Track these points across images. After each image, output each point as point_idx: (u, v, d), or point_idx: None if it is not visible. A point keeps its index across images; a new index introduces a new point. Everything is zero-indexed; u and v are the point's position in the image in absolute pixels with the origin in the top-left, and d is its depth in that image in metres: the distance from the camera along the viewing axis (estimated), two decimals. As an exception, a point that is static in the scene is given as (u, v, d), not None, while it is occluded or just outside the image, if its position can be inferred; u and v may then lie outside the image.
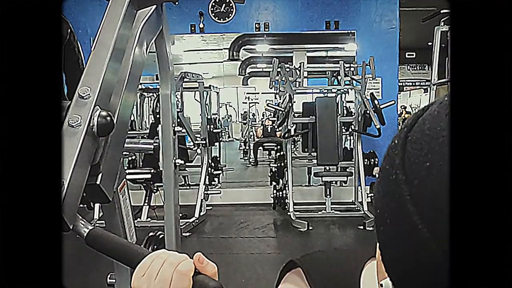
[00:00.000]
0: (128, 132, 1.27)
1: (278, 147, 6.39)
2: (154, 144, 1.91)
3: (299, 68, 5.25)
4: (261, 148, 7.97)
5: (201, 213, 5.02)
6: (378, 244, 0.39)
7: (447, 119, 0.32)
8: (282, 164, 5.23)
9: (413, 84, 12.96)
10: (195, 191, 5.11)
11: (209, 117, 5.53)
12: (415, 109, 13.78)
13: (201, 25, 5.88)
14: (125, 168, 4.97)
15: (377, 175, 0.45)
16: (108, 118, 0.96)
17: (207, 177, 5.25)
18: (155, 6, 1.50)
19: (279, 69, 5.22)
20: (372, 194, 4.98)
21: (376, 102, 4.84)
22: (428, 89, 4.98)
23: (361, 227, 4.62)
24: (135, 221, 1.72)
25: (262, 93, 8.26)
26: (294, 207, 4.95)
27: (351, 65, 5.37)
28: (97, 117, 0.95)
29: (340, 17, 5.91)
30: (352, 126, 5.28)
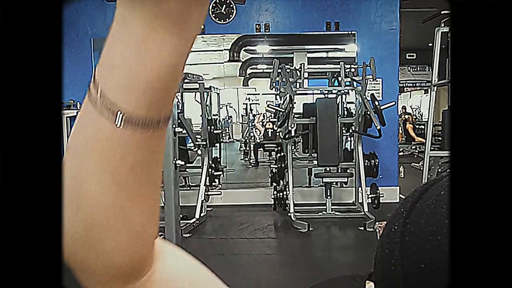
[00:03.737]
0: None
1: (279, 148, 6.39)
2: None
3: (299, 69, 5.25)
4: (261, 149, 7.97)
5: (202, 214, 5.01)
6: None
7: (442, 219, 0.34)
8: (283, 165, 5.23)
9: (414, 85, 12.96)
10: (196, 192, 5.11)
11: (209, 118, 5.52)
12: (415, 110, 13.78)
13: (202, 26, 5.88)
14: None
15: (377, 230, 0.47)
16: None
17: (208, 178, 5.25)
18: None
19: (279, 70, 5.22)
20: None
21: (376, 103, 4.84)
22: (429, 90, 4.98)
23: (362, 228, 4.61)
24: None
25: (262, 94, 8.26)
26: (295, 208, 4.94)
27: (352, 66, 5.37)
28: None
29: (341, 18, 5.91)
30: (353, 127, 5.27)
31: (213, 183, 5.53)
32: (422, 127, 11.15)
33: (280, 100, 6.04)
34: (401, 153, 8.64)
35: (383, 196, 5.01)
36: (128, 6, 0.29)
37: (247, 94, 8.56)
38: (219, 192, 5.52)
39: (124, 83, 0.30)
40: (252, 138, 8.56)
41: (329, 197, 5.05)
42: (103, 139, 0.31)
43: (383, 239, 0.40)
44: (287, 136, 5.12)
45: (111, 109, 0.30)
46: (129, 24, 0.30)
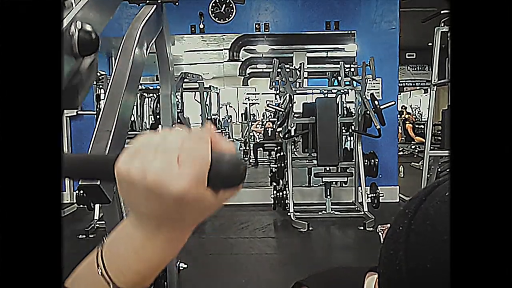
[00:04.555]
0: (128, 133, 1.26)
1: (278, 147, 6.39)
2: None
3: (299, 69, 5.25)
4: (261, 148, 7.98)
5: (201, 214, 5.01)
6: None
7: (447, 220, 0.34)
8: (282, 164, 5.23)
9: (413, 84, 12.96)
10: (195, 192, 5.11)
11: (209, 117, 5.53)
12: (415, 109, 13.77)
13: (201, 26, 5.88)
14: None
15: (380, 234, 0.47)
16: (93, 34, 0.76)
17: (207, 177, 5.24)
18: (155, 6, 1.50)
19: (279, 70, 5.22)
20: (381, 234, 4.99)
21: (376, 102, 4.84)
22: (428, 89, 4.98)
23: (361, 227, 4.62)
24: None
25: (262, 93, 8.27)
26: (294, 207, 4.94)
27: (351, 65, 5.37)
28: (77, 31, 0.74)
29: (340, 17, 5.91)
30: (352, 127, 5.27)
31: (213, 183, 5.51)
32: (422, 126, 11.15)
33: (280, 99, 6.04)
34: (401, 153, 8.64)
35: (382, 196, 5.01)
36: (137, 222, 0.40)
37: (247, 93, 8.56)
38: (219, 192, 5.50)
39: (122, 269, 0.41)
40: (252, 137, 8.56)
41: (328, 197, 5.05)
42: None
43: (387, 240, 0.40)
44: (286, 136, 5.12)
45: (107, 280, 0.41)
46: (135, 234, 0.41)
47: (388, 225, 0.42)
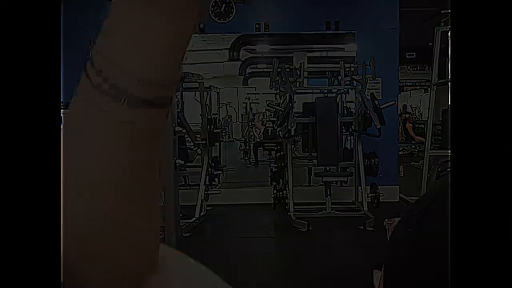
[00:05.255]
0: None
1: (278, 147, 6.39)
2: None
3: (299, 68, 5.25)
4: (261, 148, 7.98)
5: (201, 213, 5.02)
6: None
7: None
8: (282, 164, 5.23)
9: (413, 84, 12.95)
10: (195, 191, 5.11)
11: (209, 117, 5.52)
12: (415, 109, 13.77)
13: (201, 26, 5.88)
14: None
15: (386, 227, 0.46)
16: None
17: (207, 177, 5.25)
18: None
19: (279, 69, 5.22)
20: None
21: (376, 102, 4.84)
22: (429, 89, 4.98)
23: (361, 227, 4.62)
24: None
25: (262, 93, 8.26)
26: (294, 207, 4.95)
27: (351, 65, 5.37)
28: None
29: (340, 17, 5.91)
30: (352, 126, 5.28)
31: (213, 182, 5.53)
32: (422, 126, 11.15)
33: (280, 99, 6.04)
34: (401, 152, 8.64)
35: (382, 195, 5.01)
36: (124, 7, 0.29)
37: (247, 93, 8.55)
38: (219, 191, 5.52)
39: (129, 47, 0.28)
40: (252, 137, 8.56)
41: (328, 196, 5.05)
42: (104, 128, 0.28)
43: (394, 241, 0.39)
44: (286, 135, 5.12)
45: (113, 92, 0.28)
46: (128, 19, 0.28)
47: (395, 219, 0.41)
